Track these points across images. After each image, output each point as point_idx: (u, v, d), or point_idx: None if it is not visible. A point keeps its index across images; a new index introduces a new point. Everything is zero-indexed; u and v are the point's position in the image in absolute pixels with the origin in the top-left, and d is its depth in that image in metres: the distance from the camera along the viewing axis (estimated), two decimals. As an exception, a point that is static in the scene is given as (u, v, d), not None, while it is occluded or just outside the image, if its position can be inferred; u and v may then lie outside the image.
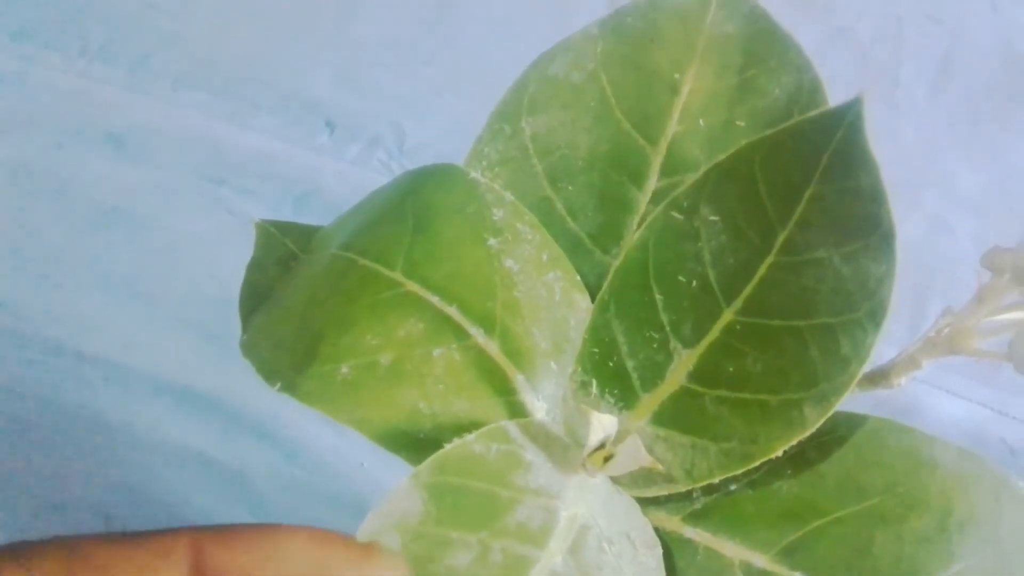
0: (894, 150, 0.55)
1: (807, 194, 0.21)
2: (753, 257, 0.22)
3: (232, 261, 0.29)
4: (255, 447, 0.44)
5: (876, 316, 0.21)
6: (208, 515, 0.43)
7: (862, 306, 0.21)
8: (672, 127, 0.27)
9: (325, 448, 0.44)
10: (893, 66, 0.59)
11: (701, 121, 0.27)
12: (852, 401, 0.22)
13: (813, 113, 0.20)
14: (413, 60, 0.56)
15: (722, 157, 0.21)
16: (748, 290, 0.22)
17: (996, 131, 0.56)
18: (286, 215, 0.52)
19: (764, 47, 0.27)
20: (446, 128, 0.54)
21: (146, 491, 0.43)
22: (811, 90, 0.27)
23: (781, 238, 0.21)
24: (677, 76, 0.27)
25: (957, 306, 0.25)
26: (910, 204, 0.52)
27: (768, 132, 0.21)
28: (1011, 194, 0.53)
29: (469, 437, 0.23)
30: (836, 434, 0.24)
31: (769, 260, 0.22)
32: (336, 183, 0.52)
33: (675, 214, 0.22)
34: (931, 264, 0.50)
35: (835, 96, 0.29)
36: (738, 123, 0.27)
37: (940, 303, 0.49)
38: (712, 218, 0.22)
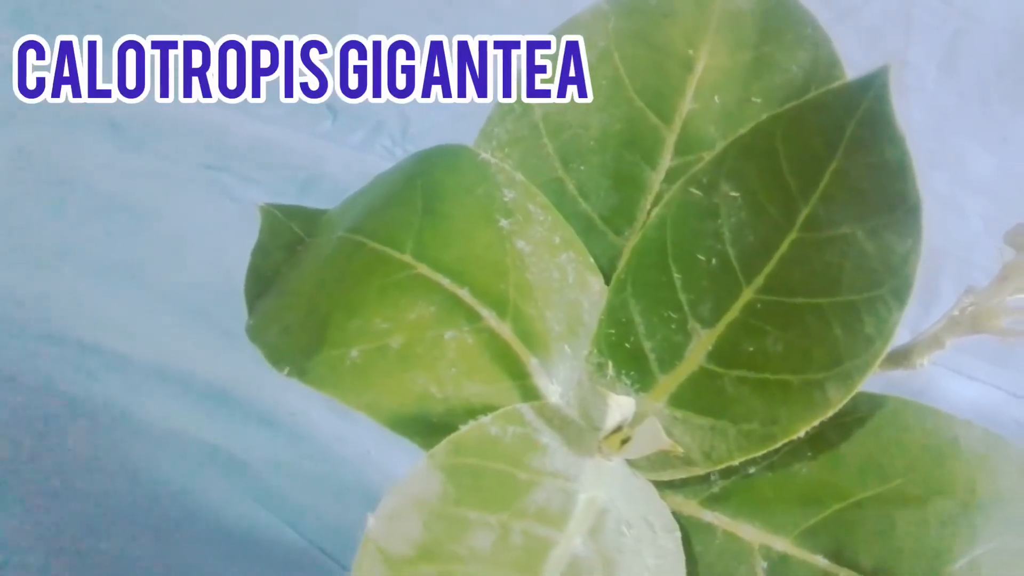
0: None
1: (831, 168, 0.20)
2: (774, 234, 0.21)
3: (235, 249, 0.28)
4: (260, 435, 0.44)
5: (900, 293, 0.20)
6: (212, 504, 0.42)
7: (886, 283, 0.20)
8: (686, 105, 0.27)
9: (331, 436, 0.44)
10: (902, 47, 0.58)
11: (716, 98, 0.26)
12: (867, 383, 0.22)
13: (836, 84, 0.20)
14: (417, 45, 0.56)
15: (742, 131, 0.21)
16: (769, 268, 0.21)
17: (1007, 112, 0.55)
18: (290, 201, 0.52)
19: (779, 22, 0.27)
20: (450, 114, 0.53)
21: (149, 481, 0.42)
22: (828, 65, 0.26)
23: (804, 214, 0.21)
24: (691, 52, 0.27)
25: (979, 286, 0.25)
26: (921, 187, 0.52)
27: (790, 105, 0.20)
28: (1022, 175, 0.53)
29: (485, 419, 0.23)
30: (857, 415, 0.24)
31: (791, 237, 0.21)
32: (340, 170, 0.52)
33: (694, 191, 0.22)
34: (942, 246, 0.49)
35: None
36: (754, 100, 0.26)
37: (952, 285, 0.48)
38: (732, 194, 0.21)
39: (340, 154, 0.52)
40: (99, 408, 0.44)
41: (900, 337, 0.24)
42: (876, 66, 0.19)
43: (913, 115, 0.55)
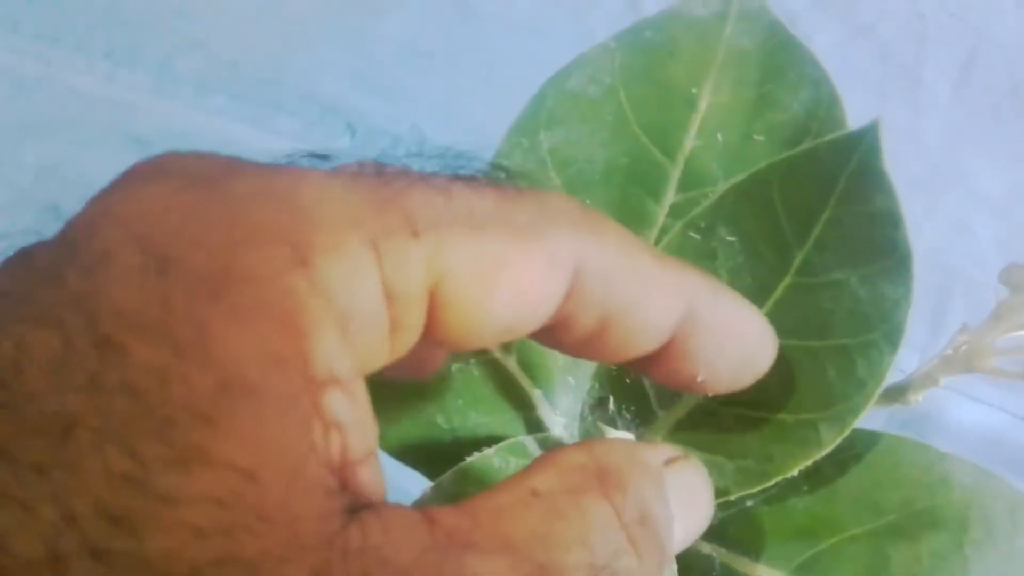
0: (916, 150, 0.54)
1: (824, 216, 0.21)
2: (770, 278, 0.22)
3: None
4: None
5: (892, 338, 0.21)
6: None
7: (878, 328, 0.21)
8: (690, 141, 0.27)
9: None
10: (916, 65, 0.58)
11: (719, 135, 0.27)
12: (870, 412, 0.23)
13: (830, 137, 0.20)
14: (434, 63, 0.57)
15: (740, 178, 0.22)
16: (765, 310, 0.22)
17: (1020, 131, 0.55)
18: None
19: (782, 61, 0.27)
20: (466, 130, 0.54)
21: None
22: (829, 104, 0.27)
23: (798, 259, 0.21)
24: (695, 90, 0.28)
25: (974, 322, 0.25)
26: (931, 205, 0.52)
27: (786, 154, 0.21)
28: (1034, 195, 0.53)
29: (489, 451, 0.24)
30: (852, 451, 0.24)
31: (786, 281, 0.22)
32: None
33: (692, 234, 0.22)
34: (952, 266, 0.49)
35: (858, 97, 0.28)
36: (756, 138, 0.27)
37: (961, 305, 0.49)
38: (729, 238, 0.22)
39: (357, 170, 0.53)
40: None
41: (905, 358, 0.24)
42: (869, 121, 0.20)
43: (926, 133, 0.55)
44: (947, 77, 0.58)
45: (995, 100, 0.57)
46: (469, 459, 0.23)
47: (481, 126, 0.53)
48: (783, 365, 0.22)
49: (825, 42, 0.58)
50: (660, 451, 0.16)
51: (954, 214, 0.52)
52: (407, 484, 0.25)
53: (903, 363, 0.24)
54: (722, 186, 0.23)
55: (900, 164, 0.21)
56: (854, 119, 0.26)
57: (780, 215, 0.21)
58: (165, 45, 0.57)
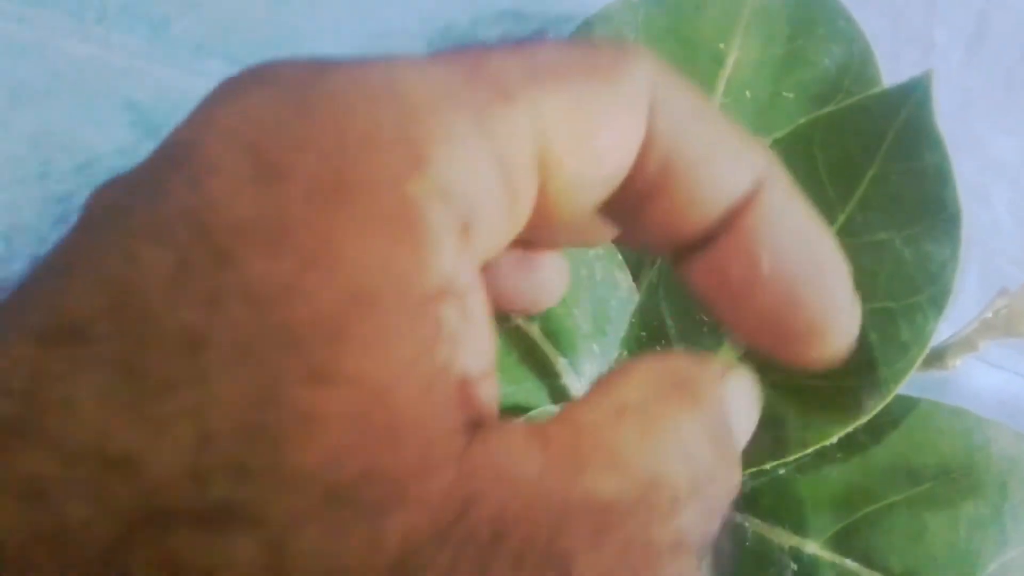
0: (927, 115, 0.53)
1: (869, 174, 0.20)
2: (810, 238, 0.21)
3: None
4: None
5: (938, 301, 0.20)
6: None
7: (924, 290, 0.20)
8: (717, 99, 0.26)
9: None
10: (927, 29, 0.57)
11: (747, 93, 0.26)
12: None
13: (877, 90, 0.20)
14: (441, 20, 0.55)
15: (780, 133, 0.21)
16: (804, 273, 0.21)
17: (1032, 95, 0.54)
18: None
19: (812, 15, 0.26)
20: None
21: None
22: (862, 61, 0.26)
23: (841, 219, 0.21)
24: (722, 46, 0.27)
25: (1013, 287, 0.24)
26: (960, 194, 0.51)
27: (828, 109, 0.20)
28: (1048, 161, 0.52)
29: (516, 422, 0.23)
30: (888, 417, 0.23)
31: (827, 242, 0.21)
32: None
33: (728, 194, 0.21)
34: (966, 234, 0.49)
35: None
36: (786, 94, 0.26)
37: (976, 272, 0.48)
38: (767, 198, 0.21)
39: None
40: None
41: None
42: (919, 74, 0.19)
43: (939, 98, 0.54)
44: (959, 41, 0.57)
45: (1008, 65, 0.56)
46: (494, 429, 0.22)
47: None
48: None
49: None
50: (721, 363, 0.16)
51: (968, 181, 0.51)
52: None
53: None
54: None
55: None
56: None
57: (822, 172, 0.20)
58: (160, 7, 0.55)
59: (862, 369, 0.21)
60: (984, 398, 0.43)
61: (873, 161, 0.20)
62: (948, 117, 0.58)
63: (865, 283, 0.21)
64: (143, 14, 0.55)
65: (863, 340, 0.21)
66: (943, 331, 0.25)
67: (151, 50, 0.54)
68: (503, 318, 0.24)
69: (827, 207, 0.20)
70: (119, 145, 0.50)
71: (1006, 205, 0.50)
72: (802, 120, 0.20)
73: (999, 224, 0.49)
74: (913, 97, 0.19)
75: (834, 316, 0.16)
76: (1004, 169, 0.51)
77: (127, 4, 0.56)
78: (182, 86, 0.53)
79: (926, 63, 0.56)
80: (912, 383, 0.25)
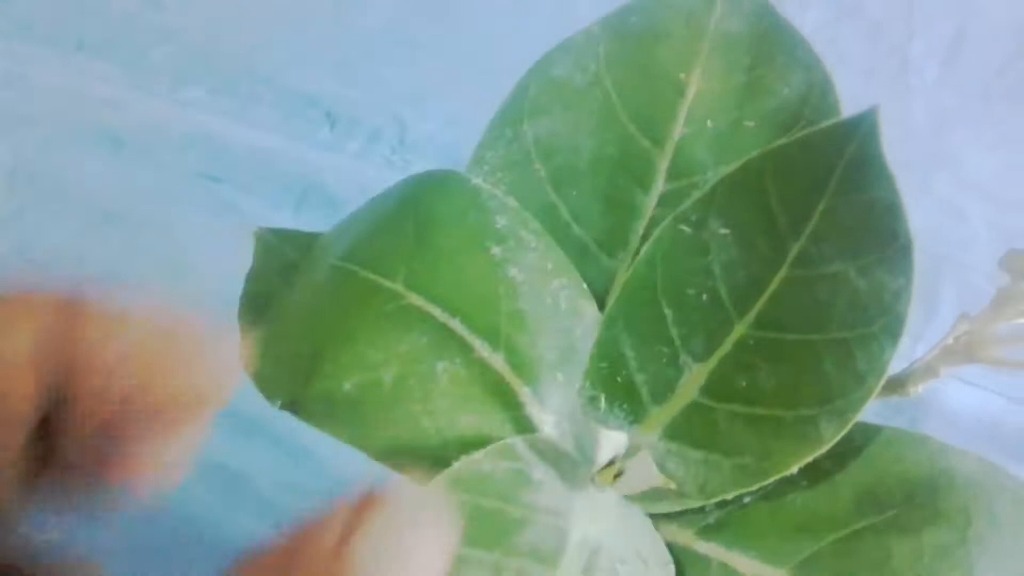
0: (904, 131, 0.54)
1: (820, 207, 0.20)
2: (765, 270, 0.21)
3: (234, 261, 0.28)
4: (257, 448, 0.44)
5: (893, 331, 0.20)
6: (207, 518, 0.42)
7: (878, 320, 0.20)
8: (678, 129, 0.27)
9: (330, 448, 0.43)
10: (903, 44, 0.57)
11: (708, 122, 0.26)
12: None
13: (826, 124, 0.20)
14: (414, 52, 0.55)
15: (731, 168, 0.21)
16: (760, 304, 0.21)
17: (1008, 110, 0.55)
18: (288, 212, 0.52)
19: (772, 45, 0.26)
20: (448, 119, 0.53)
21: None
22: (822, 89, 0.26)
23: (794, 251, 0.21)
24: (683, 76, 0.27)
25: (969, 311, 0.24)
26: (921, 188, 0.51)
27: (779, 143, 0.20)
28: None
29: (477, 455, 0.23)
30: (852, 445, 0.23)
31: (782, 274, 0.21)
32: (338, 179, 0.52)
33: (683, 227, 0.22)
34: (942, 251, 0.49)
35: (845, 78, 0.28)
36: (747, 124, 0.26)
37: (952, 290, 0.48)
38: (722, 231, 0.21)
39: (338, 163, 0.52)
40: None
41: (904, 345, 0.24)
42: (866, 108, 0.19)
43: (914, 114, 0.54)
44: (936, 56, 0.57)
45: (984, 80, 0.56)
46: (456, 464, 0.22)
47: (464, 116, 0.52)
48: (780, 360, 0.22)
49: (813, 22, 0.57)
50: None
51: (944, 197, 0.51)
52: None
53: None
54: (713, 176, 0.22)
55: (889, 146, 0.20)
56: (843, 100, 0.26)
57: (774, 206, 0.21)
58: (139, 37, 0.55)
59: (820, 399, 0.21)
60: (961, 417, 0.43)
61: (823, 194, 0.20)
62: (925, 133, 0.58)
63: (820, 314, 0.21)
64: (122, 43, 0.55)
65: (820, 371, 0.21)
66: (917, 351, 0.25)
67: (130, 79, 0.54)
68: (466, 348, 0.25)
69: (780, 239, 0.21)
70: (96, 174, 0.50)
71: (983, 221, 0.50)
72: (754, 154, 0.20)
73: (976, 240, 0.49)
74: (861, 131, 0.19)
75: None
76: (981, 185, 0.51)
77: (105, 33, 0.56)
78: (162, 115, 0.54)
79: (902, 79, 0.56)
80: (886, 403, 0.25)
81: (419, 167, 0.28)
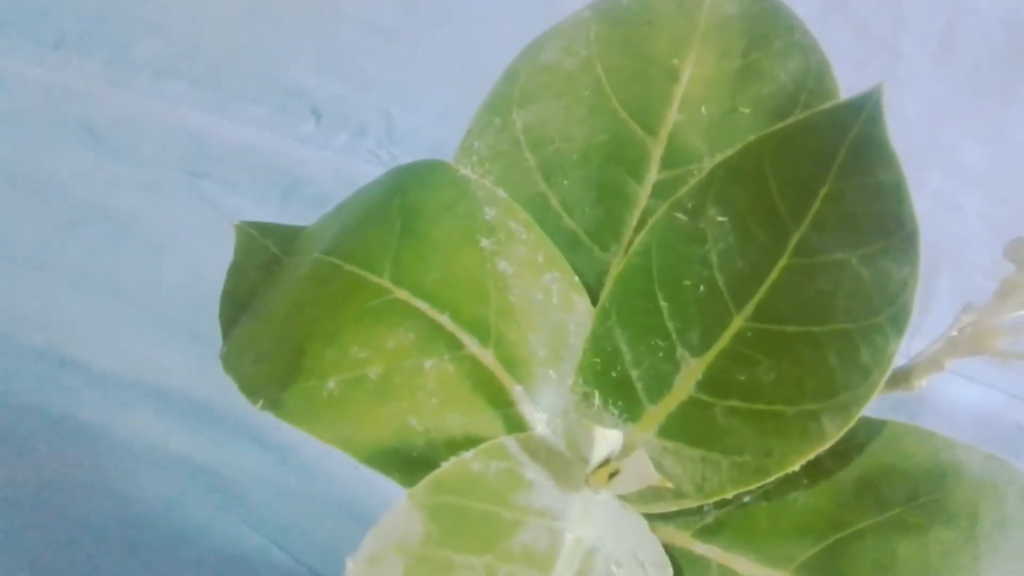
0: (897, 126, 0.53)
1: (822, 192, 0.19)
2: (765, 259, 0.20)
3: (217, 258, 0.27)
4: (245, 451, 0.43)
5: (898, 321, 0.19)
6: (197, 523, 0.41)
7: (883, 311, 0.19)
8: (672, 116, 0.26)
9: (318, 452, 0.43)
10: (894, 38, 0.57)
11: (703, 109, 0.25)
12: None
13: (827, 105, 0.19)
14: (399, 44, 0.55)
15: (729, 153, 0.20)
16: (760, 295, 0.21)
17: (1001, 104, 0.54)
18: (273, 208, 0.51)
19: (767, 29, 0.26)
20: (436, 113, 0.52)
21: (131, 500, 0.41)
22: (819, 73, 0.25)
23: (795, 239, 0.20)
24: (676, 62, 0.26)
25: (967, 303, 0.24)
26: (915, 182, 0.51)
27: (778, 126, 0.19)
28: (1018, 169, 0.52)
29: (467, 455, 0.22)
30: (854, 441, 0.23)
31: (782, 262, 0.20)
32: (324, 174, 0.51)
33: (679, 216, 0.21)
34: (938, 243, 0.48)
35: (837, 72, 0.27)
36: (742, 110, 0.25)
37: (949, 283, 0.47)
38: (719, 219, 0.20)
39: (324, 158, 0.51)
40: (79, 425, 0.43)
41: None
42: (869, 87, 0.18)
43: (906, 108, 0.54)
44: (926, 50, 0.57)
45: (976, 73, 0.55)
46: (445, 464, 0.22)
47: (452, 108, 0.51)
48: (781, 353, 0.21)
49: (800, 15, 0.56)
50: None
51: (938, 189, 0.51)
52: (388, 488, 0.23)
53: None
54: (709, 163, 0.22)
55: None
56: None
57: (774, 192, 0.20)
58: (119, 32, 0.54)
59: (823, 394, 0.20)
60: (959, 412, 0.42)
61: (825, 179, 0.19)
62: (917, 126, 0.58)
63: (822, 305, 0.20)
64: (102, 38, 0.54)
65: (822, 364, 0.20)
66: (915, 347, 0.24)
67: (111, 74, 0.53)
68: (454, 344, 0.24)
69: (780, 227, 0.20)
70: (76, 170, 0.49)
71: (978, 215, 0.49)
72: (752, 137, 0.20)
73: (971, 234, 0.48)
74: (864, 111, 0.18)
75: None
76: (975, 178, 0.51)
77: (86, 28, 0.55)
78: (143, 110, 0.53)
79: (894, 73, 0.56)
80: (884, 399, 0.24)
81: (407, 162, 0.28)
